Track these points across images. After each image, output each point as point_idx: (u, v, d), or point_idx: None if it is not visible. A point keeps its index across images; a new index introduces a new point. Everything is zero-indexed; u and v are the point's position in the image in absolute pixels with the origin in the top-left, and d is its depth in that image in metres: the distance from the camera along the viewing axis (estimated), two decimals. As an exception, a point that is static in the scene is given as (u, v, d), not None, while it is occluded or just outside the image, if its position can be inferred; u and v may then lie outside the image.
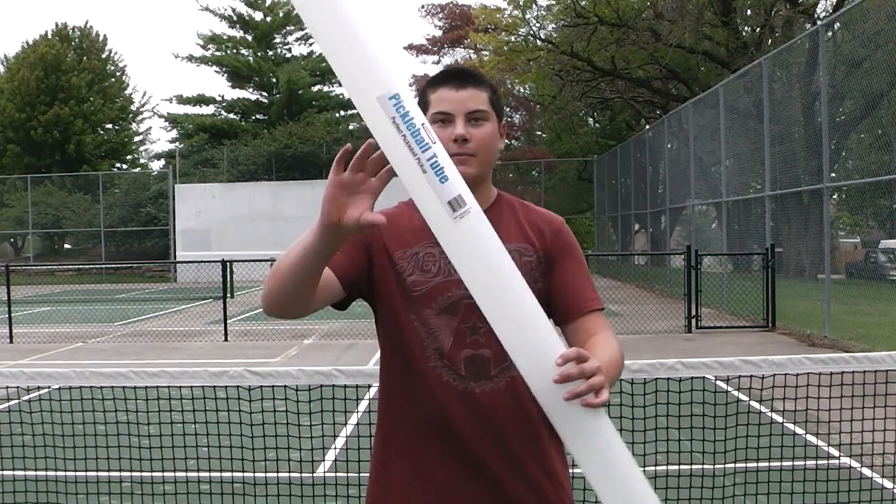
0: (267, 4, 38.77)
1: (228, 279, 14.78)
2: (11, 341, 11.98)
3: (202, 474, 4.20)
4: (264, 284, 1.56)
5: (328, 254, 1.45)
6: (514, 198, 1.80)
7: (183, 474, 4.27)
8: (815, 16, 18.81)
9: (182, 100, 38.77)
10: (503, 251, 1.43)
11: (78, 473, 4.08)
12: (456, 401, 1.60)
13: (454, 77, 1.69)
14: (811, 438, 5.43)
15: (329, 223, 1.38)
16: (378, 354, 1.77)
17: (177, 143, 38.75)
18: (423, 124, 1.36)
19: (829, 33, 13.07)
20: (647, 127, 23.96)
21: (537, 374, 1.39)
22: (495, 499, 1.61)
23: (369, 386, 6.39)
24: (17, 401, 5.83)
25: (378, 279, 1.67)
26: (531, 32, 24.15)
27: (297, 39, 40.22)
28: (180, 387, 3.68)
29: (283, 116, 35.88)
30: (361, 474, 4.20)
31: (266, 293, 1.54)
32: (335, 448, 5.40)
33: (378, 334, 1.75)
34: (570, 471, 1.74)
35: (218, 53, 38.91)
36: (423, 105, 1.70)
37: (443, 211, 1.38)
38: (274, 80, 38.17)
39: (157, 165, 40.50)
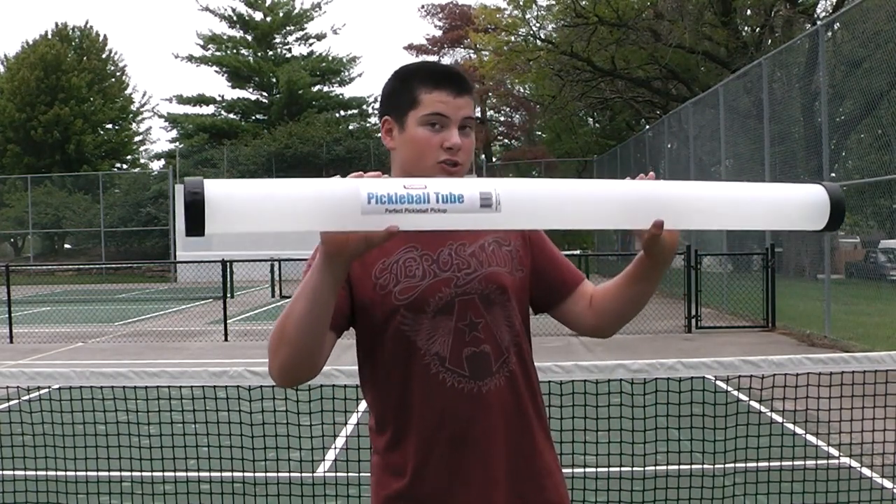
0: (267, 4, 38.76)
1: (228, 279, 14.78)
2: (11, 341, 11.97)
3: (202, 474, 4.20)
4: (271, 357, 1.49)
5: (337, 289, 1.41)
6: None
7: (183, 474, 4.27)
8: (815, 16, 18.82)
9: (182, 100, 38.79)
10: (544, 182, 1.41)
11: (78, 473, 4.08)
12: (464, 402, 1.56)
13: (453, 81, 1.59)
14: (811, 438, 5.42)
15: (333, 250, 1.34)
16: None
17: (177, 143, 38.76)
18: (403, 185, 1.32)
19: (829, 33, 13.06)
20: (647, 127, 23.96)
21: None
22: (505, 498, 1.58)
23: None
24: (17, 401, 5.83)
25: (359, 300, 1.59)
26: (531, 32, 24.15)
27: (297, 39, 40.27)
28: (180, 387, 3.68)
29: (283, 116, 35.87)
30: (361, 474, 4.21)
31: (279, 365, 1.48)
32: (335, 448, 5.40)
33: (361, 359, 1.66)
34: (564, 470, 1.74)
35: (218, 53, 38.90)
36: (408, 99, 1.59)
37: (486, 217, 1.35)
38: (274, 80, 38.16)
39: (157, 165, 40.50)
